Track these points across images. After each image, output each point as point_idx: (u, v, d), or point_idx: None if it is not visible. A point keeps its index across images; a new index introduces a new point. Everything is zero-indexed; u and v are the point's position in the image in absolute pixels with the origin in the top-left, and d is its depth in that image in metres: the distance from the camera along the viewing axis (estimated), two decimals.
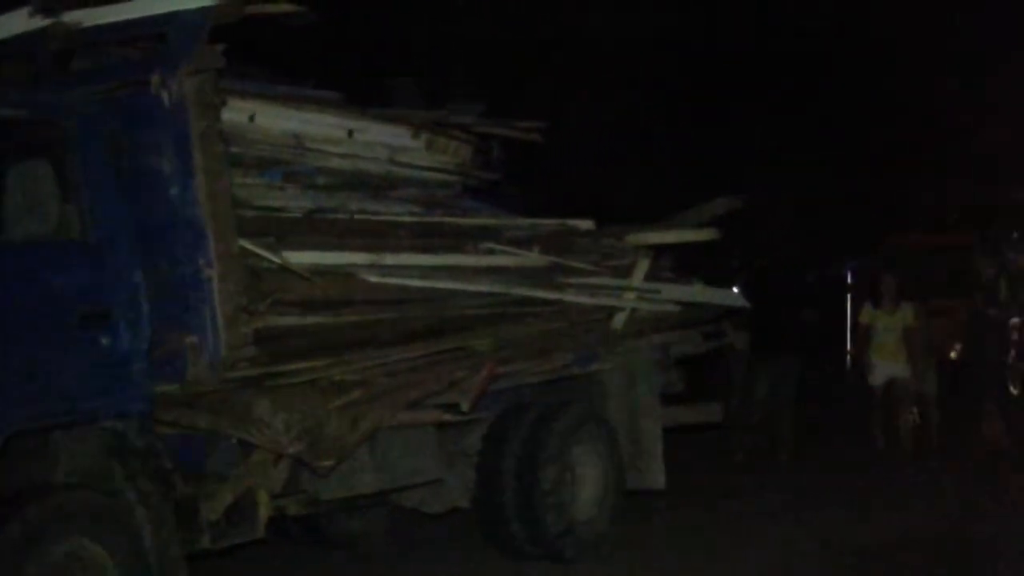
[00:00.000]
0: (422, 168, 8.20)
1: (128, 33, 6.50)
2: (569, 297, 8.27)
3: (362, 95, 8.27)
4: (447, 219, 8.01)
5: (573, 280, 8.39)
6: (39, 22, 6.43)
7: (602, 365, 8.55)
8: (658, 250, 8.92)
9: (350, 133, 7.66)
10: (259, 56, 7.57)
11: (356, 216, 7.38)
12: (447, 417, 7.50)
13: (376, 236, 7.39)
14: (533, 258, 8.22)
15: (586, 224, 8.79)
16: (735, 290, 10.94)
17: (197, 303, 6.24)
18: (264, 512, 6.75)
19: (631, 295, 8.70)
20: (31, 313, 5.74)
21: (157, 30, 6.36)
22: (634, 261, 8.78)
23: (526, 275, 8.15)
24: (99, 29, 6.45)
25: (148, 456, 6.20)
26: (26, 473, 5.89)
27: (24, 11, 6.49)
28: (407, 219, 7.73)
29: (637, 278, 8.69)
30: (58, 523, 5.72)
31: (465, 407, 7.37)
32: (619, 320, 8.60)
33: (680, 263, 9.37)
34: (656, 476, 8.69)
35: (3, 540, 5.50)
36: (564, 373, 8.28)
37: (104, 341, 5.99)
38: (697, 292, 9.27)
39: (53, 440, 6.01)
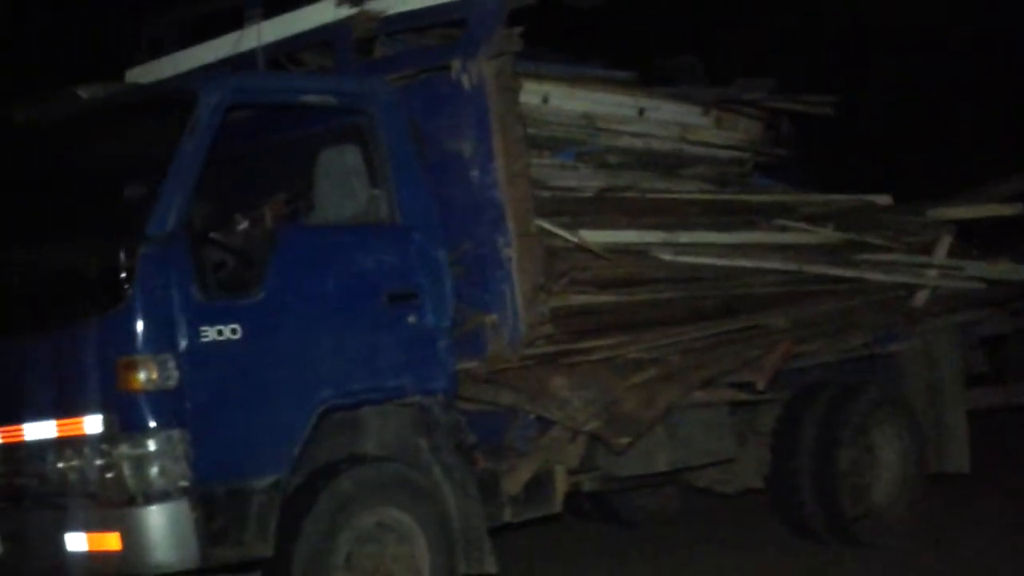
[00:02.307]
0: (713, 145, 8.11)
1: (428, 20, 6.65)
2: (866, 274, 8.04)
3: (646, 73, 8.24)
4: (740, 196, 7.91)
5: (870, 257, 8.17)
6: (344, 11, 6.65)
7: (901, 345, 8.29)
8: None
9: (641, 112, 7.64)
10: (547, 37, 7.64)
11: (648, 195, 7.38)
12: (742, 396, 7.43)
13: (669, 214, 7.37)
14: (828, 235, 8.03)
15: (883, 199, 8.54)
16: None
17: (497, 282, 6.35)
18: (561, 487, 6.83)
19: (932, 272, 8.41)
20: (342, 294, 5.95)
21: (456, 16, 6.49)
22: (935, 237, 8.49)
23: (821, 252, 7.98)
24: (401, 17, 6.61)
25: (452, 431, 6.33)
26: (338, 447, 6.10)
27: (330, 1, 6.73)
28: (700, 197, 7.68)
29: (939, 254, 8.41)
30: (369, 493, 5.93)
31: (760, 386, 7.26)
32: (920, 298, 8.32)
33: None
34: (959, 460, 8.36)
35: (318, 509, 5.74)
36: (862, 353, 8.05)
37: (411, 320, 6.15)
38: (1004, 269, 8.84)
39: (362, 415, 6.21)
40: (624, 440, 6.66)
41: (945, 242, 8.43)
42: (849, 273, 7.98)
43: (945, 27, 16.07)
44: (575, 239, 6.70)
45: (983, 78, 17.19)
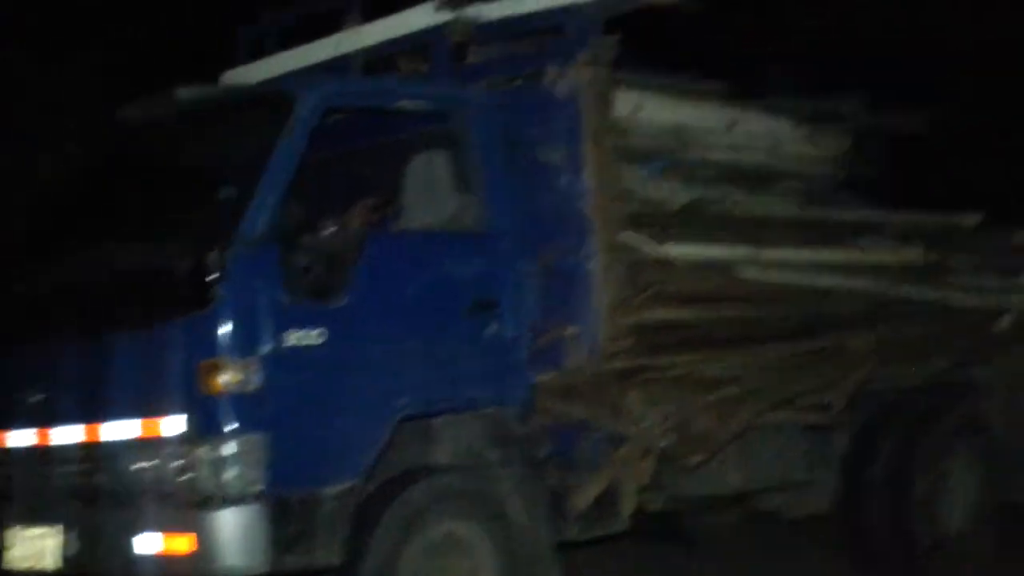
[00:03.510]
0: (802, 160, 7.95)
1: (526, 26, 6.52)
2: (953, 297, 7.87)
3: (738, 84, 8.06)
4: (828, 213, 7.75)
5: (957, 279, 8.00)
6: (442, 17, 6.57)
7: (983, 370, 8.14)
8: None
9: (731, 125, 7.50)
10: (638, 45, 7.50)
11: (735, 209, 7.24)
12: (817, 418, 7.30)
13: (755, 230, 7.21)
14: (915, 255, 7.86)
15: (971, 219, 8.33)
16: None
17: (579, 293, 6.25)
18: (629, 505, 6.70)
19: (1019, 296, 8.23)
20: (426, 301, 5.88)
21: (553, 23, 6.38)
22: (1022, 260, 8.31)
23: (906, 273, 7.80)
24: (498, 23, 6.52)
25: (525, 443, 6.25)
26: (409, 456, 6.02)
27: (428, 6, 6.65)
28: (787, 213, 7.53)
29: None
30: (440, 504, 5.86)
31: (837, 406, 7.13)
32: (1005, 323, 8.15)
33: None
34: None
35: (389, 518, 5.67)
36: (942, 378, 7.91)
37: (491, 329, 6.07)
38: None
39: (436, 424, 6.12)
40: (696, 458, 6.57)
41: None
42: (935, 295, 7.83)
43: None
44: (660, 253, 6.59)
45: None
